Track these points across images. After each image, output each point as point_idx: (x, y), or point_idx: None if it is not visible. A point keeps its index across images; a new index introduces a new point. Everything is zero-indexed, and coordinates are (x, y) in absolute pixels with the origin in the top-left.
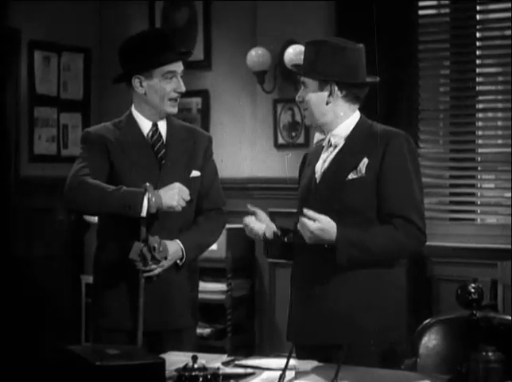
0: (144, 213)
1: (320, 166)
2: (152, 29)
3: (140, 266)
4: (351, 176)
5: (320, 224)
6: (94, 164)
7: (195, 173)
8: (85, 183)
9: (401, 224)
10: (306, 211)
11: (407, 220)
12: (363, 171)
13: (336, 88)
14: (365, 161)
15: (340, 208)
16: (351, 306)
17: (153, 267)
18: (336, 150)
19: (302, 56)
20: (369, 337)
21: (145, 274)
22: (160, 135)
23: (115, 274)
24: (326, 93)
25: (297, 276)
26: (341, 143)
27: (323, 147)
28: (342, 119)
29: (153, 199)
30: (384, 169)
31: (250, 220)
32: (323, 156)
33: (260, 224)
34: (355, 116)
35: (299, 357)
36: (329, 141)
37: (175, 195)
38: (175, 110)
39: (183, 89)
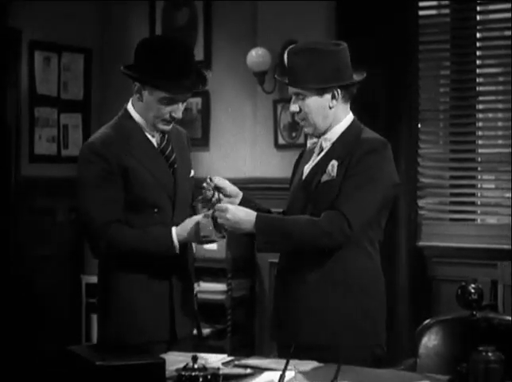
0: (177, 250)
1: (306, 170)
2: (178, 47)
3: (212, 237)
4: (324, 178)
5: (229, 214)
6: (115, 196)
7: (192, 172)
8: (116, 241)
9: (330, 213)
10: (217, 206)
11: (340, 212)
12: (333, 173)
13: (339, 91)
14: (333, 163)
15: (314, 210)
16: (326, 307)
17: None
18: (322, 154)
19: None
20: (346, 340)
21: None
22: (168, 141)
23: (145, 286)
24: (327, 97)
25: (278, 275)
26: (327, 147)
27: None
28: (337, 122)
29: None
30: (347, 171)
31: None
32: (311, 159)
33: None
34: (348, 119)
35: (280, 356)
36: (320, 145)
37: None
38: (167, 128)
39: (179, 116)
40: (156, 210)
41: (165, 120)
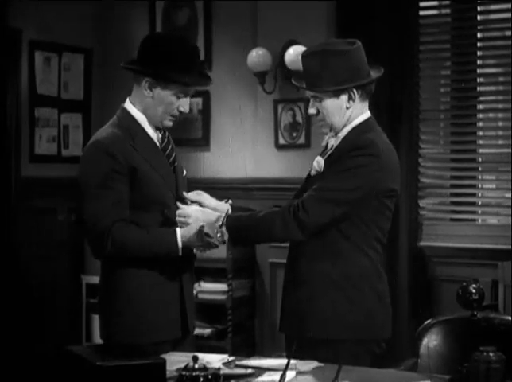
0: (180, 252)
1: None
2: (185, 41)
3: (214, 241)
4: (312, 173)
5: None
6: (122, 195)
7: (184, 172)
8: (121, 241)
9: (288, 210)
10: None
11: (297, 207)
12: (318, 168)
13: (355, 91)
14: (318, 159)
15: None
16: (313, 302)
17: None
18: (329, 151)
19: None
20: (337, 334)
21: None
22: (168, 139)
23: (155, 285)
24: (344, 98)
25: (286, 270)
26: (336, 144)
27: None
28: (352, 120)
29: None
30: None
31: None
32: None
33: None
34: (361, 118)
35: (286, 348)
36: (328, 141)
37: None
38: (170, 124)
39: (186, 110)
40: (164, 208)
41: (173, 115)
